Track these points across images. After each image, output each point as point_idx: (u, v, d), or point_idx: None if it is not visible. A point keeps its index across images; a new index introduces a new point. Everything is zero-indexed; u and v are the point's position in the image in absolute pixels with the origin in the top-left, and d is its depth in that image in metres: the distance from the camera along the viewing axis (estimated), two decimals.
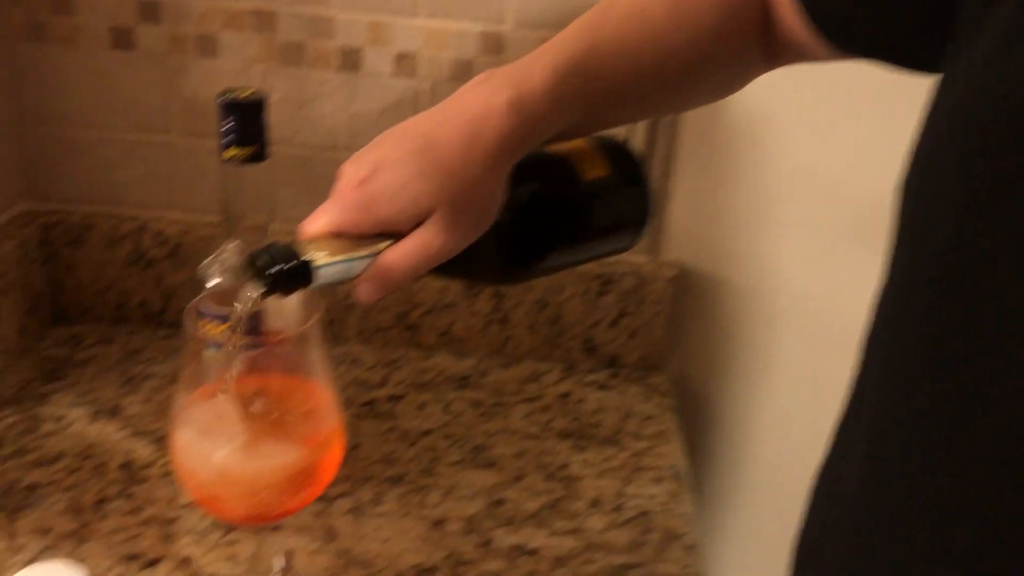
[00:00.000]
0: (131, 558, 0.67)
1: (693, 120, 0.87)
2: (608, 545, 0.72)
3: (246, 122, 0.64)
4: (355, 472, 0.77)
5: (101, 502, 0.72)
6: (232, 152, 0.64)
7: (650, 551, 0.72)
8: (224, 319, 0.62)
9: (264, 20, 0.84)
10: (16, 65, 0.86)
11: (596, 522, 0.74)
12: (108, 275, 0.92)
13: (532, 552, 0.71)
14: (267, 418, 0.55)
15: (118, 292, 0.93)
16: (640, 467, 0.81)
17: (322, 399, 0.57)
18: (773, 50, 0.58)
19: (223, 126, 0.63)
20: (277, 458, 0.54)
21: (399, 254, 0.51)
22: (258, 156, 0.65)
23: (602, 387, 0.92)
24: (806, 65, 0.60)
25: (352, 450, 0.80)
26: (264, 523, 0.58)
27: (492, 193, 0.51)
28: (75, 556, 0.67)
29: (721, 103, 0.83)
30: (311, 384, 0.57)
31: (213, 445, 0.53)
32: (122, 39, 0.85)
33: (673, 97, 0.59)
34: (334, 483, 0.75)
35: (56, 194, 0.91)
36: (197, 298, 0.57)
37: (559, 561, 0.70)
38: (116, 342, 0.92)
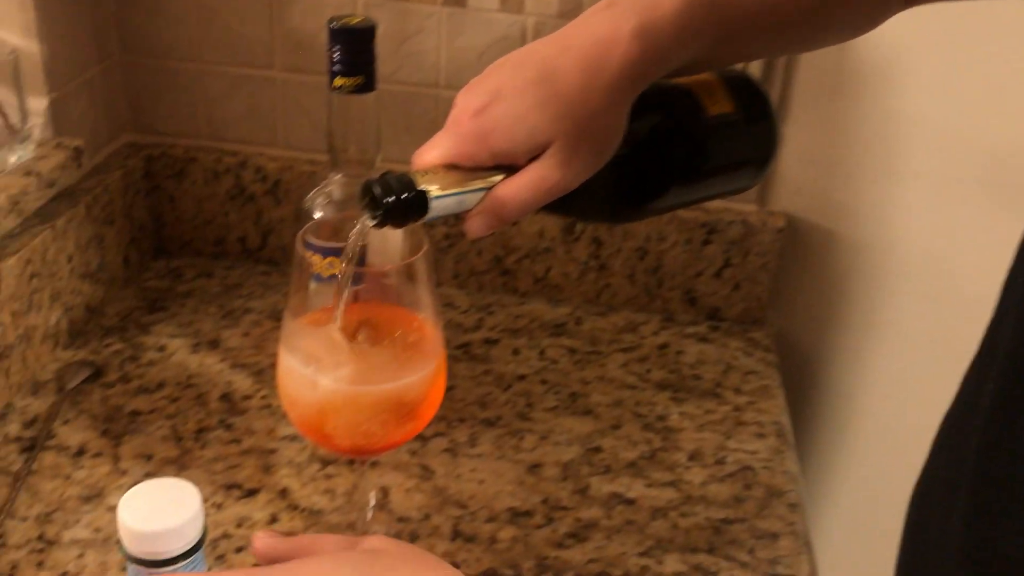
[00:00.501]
0: (230, 487, 0.68)
1: (809, 62, 0.83)
2: (708, 498, 0.70)
3: (355, 50, 0.62)
4: (450, 413, 0.76)
5: (201, 431, 0.73)
6: (340, 81, 0.62)
7: (752, 507, 0.69)
8: (327, 252, 0.62)
9: None
10: None
11: (696, 475, 0.72)
12: (209, 209, 0.93)
13: (630, 501, 0.69)
14: (373, 349, 0.54)
15: (218, 226, 0.94)
16: (741, 422, 0.78)
17: (427, 333, 0.55)
18: None
19: (332, 54, 0.62)
20: (382, 388, 0.53)
21: (513, 188, 0.49)
22: (366, 86, 0.63)
23: (702, 339, 0.89)
24: (938, 5, 0.56)
25: (447, 391, 0.79)
26: (366, 455, 0.57)
27: (613, 127, 0.49)
28: None
29: (841, 45, 0.79)
30: (417, 317, 0.55)
31: (320, 373, 0.52)
32: None
33: (805, 32, 0.56)
34: (429, 423, 0.75)
35: (160, 127, 0.92)
36: (305, 227, 0.56)
37: (657, 512, 0.68)
38: (215, 276, 0.93)
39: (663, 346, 0.87)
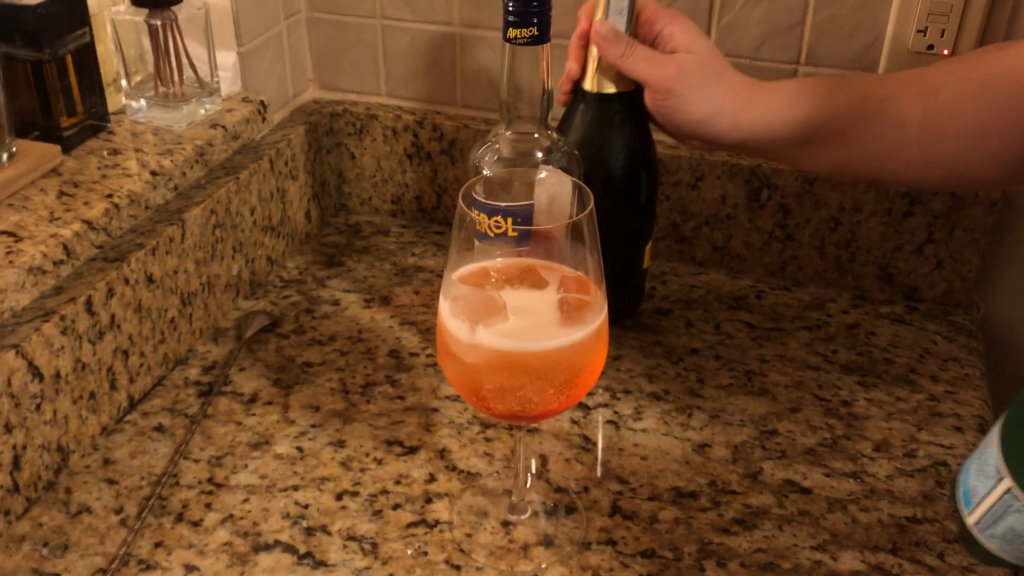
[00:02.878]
0: (391, 443, 0.68)
1: None
2: (894, 494, 0.64)
3: (529, 0, 0.59)
4: (615, 384, 0.73)
5: (368, 386, 0.73)
6: (513, 32, 0.60)
7: (944, 507, 0.63)
8: (493, 211, 0.60)
9: None
10: None
11: (881, 467, 0.66)
12: (387, 167, 0.93)
13: (805, 490, 0.64)
14: (533, 309, 0.52)
15: (396, 184, 0.94)
16: (937, 413, 0.71)
17: (591, 295, 0.53)
18: None
19: (507, 4, 0.60)
20: (540, 349, 0.50)
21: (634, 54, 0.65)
22: (540, 38, 0.60)
23: (897, 320, 0.81)
24: None
25: (613, 360, 0.76)
26: (522, 421, 0.55)
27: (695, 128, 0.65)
28: (340, 435, 0.68)
29: None
30: (581, 279, 0.53)
31: (476, 331, 0.50)
32: None
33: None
34: (593, 392, 0.72)
35: (342, 84, 0.93)
36: (468, 183, 0.54)
37: (835, 504, 0.63)
38: (391, 234, 0.93)
39: (853, 326, 0.81)
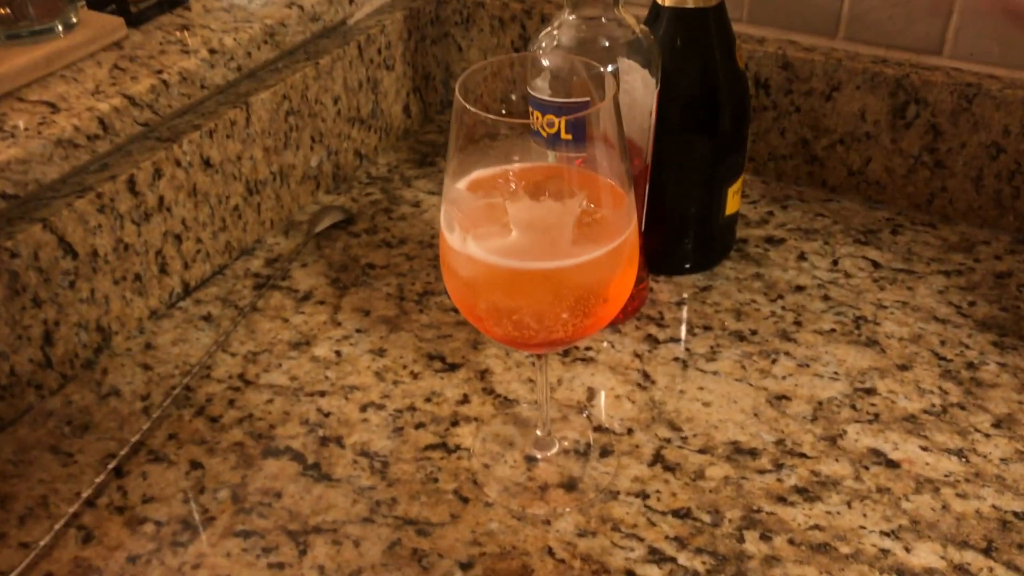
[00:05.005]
0: (433, 357, 0.62)
1: None
2: (1005, 481, 0.52)
3: None
4: (696, 317, 0.65)
5: (425, 294, 0.68)
6: None
7: None
8: (547, 109, 0.52)
9: None
10: None
11: (996, 447, 0.54)
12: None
13: (892, 464, 0.54)
14: (548, 222, 0.44)
15: (504, 80, 0.87)
16: None
17: (615, 211, 0.44)
18: None
19: None
20: (538, 268, 0.43)
21: None
22: None
23: None
24: None
25: (700, 291, 0.67)
26: (528, 348, 0.48)
27: None
28: (383, 343, 0.64)
29: None
30: (614, 192, 0.44)
31: (469, 243, 0.44)
32: None
33: None
34: (666, 323, 0.64)
35: None
36: (465, 73, 0.46)
37: (926, 484, 0.52)
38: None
39: (1004, 275, 0.67)
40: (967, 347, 0.61)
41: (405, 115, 0.86)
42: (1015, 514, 0.51)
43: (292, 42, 0.72)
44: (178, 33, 0.67)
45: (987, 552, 0.49)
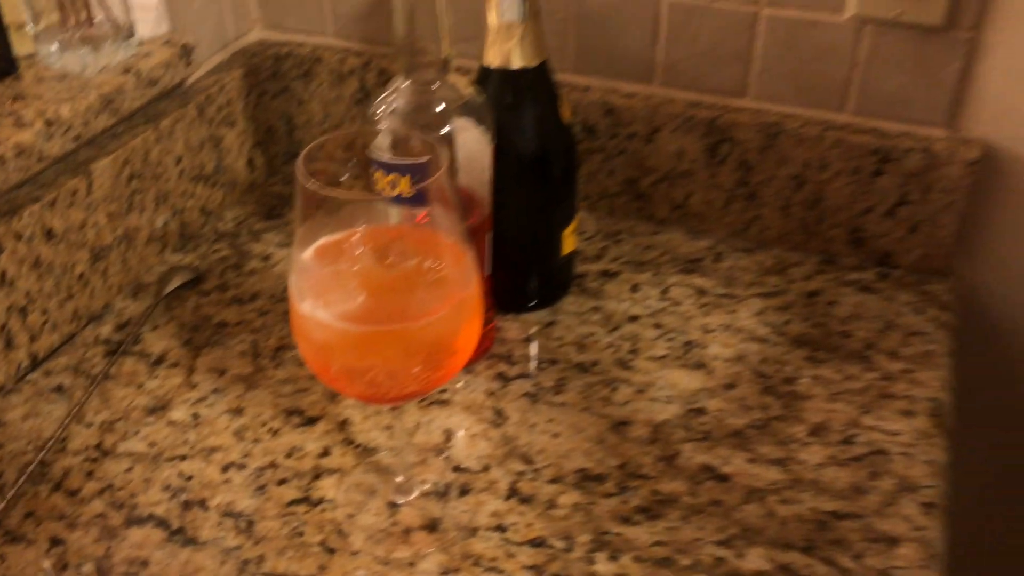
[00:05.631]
0: (291, 412, 0.64)
1: None
2: (820, 484, 0.58)
3: None
4: (543, 353, 0.69)
5: (280, 349, 0.69)
6: None
7: (874, 501, 0.57)
8: (389, 169, 0.55)
9: None
10: None
11: (813, 454, 0.61)
12: (336, 113, 0.88)
13: (723, 477, 0.59)
14: (392, 283, 0.47)
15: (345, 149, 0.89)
16: (888, 394, 0.65)
17: (456, 270, 0.48)
18: None
19: None
20: (396, 324, 0.46)
21: None
22: None
23: (864, 289, 0.75)
24: None
25: (545, 327, 0.71)
26: (381, 403, 0.51)
27: None
28: (240, 402, 0.65)
29: None
30: (453, 250, 0.48)
31: (319, 308, 0.46)
32: None
33: None
34: (515, 360, 0.68)
35: (288, 24, 0.88)
36: (310, 146, 0.49)
37: (752, 494, 0.58)
38: None
39: (814, 293, 0.74)
40: (784, 363, 0.68)
41: (249, 169, 0.87)
42: (829, 513, 0.57)
43: (130, 107, 0.73)
44: (11, 104, 0.67)
45: (807, 551, 0.54)
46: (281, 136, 0.91)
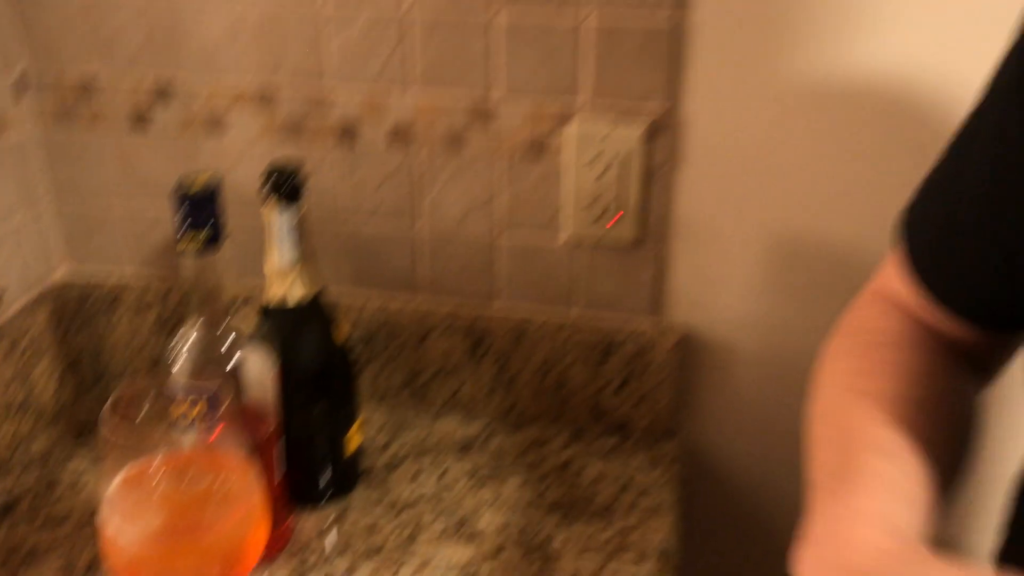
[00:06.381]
0: None
1: (690, 179, 0.84)
2: None
3: (200, 210, 0.66)
4: (339, 540, 0.78)
5: (91, 568, 0.76)
6: (186, 241, 0.66)
7: None
8: (185, 397, 0.65)
9: (266, 99, 0.87)
10: (51, 146, 0.93)
11: None
12: (138, 341, 0.98)
13: None
14: (187, 500, 0.57)
15: (146, 358, 0.98)
16: (624, 545, 0.78)
17: (241, 484, 0.58)
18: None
19: (178, 213, 0.66)
20: (193, 538, 0.55)
21: None
22: (212, 243, 0.67)
23: (607, 455, 0.90)
24: None
25: (338, 518, 0.81)
26: None
27: None
28: None
29: (728, 156, 0.81)
30: (238, 467, 0.58)
31: (132, 526, 0.55)
32: (139, 121, 0.90)
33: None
34: (312, 551, 0.77)
35: (93, 258, 0.97)
36: (111, 399, 0.59)
37: None
38: None
39: (566, 463, 0.88)
40: (542, 526, 0.80)
41: (58, 396, 0.94)
42: None
43: None
44: None
45: None
46: (88, 363, 0.98)
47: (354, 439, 0.83)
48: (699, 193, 0.84)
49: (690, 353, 0.90)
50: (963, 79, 0.73)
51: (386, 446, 0.90)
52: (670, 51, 0.79)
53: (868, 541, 0.44)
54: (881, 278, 0.63)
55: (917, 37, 0.75)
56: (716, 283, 0.87)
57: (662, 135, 0.82)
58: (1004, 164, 0.53)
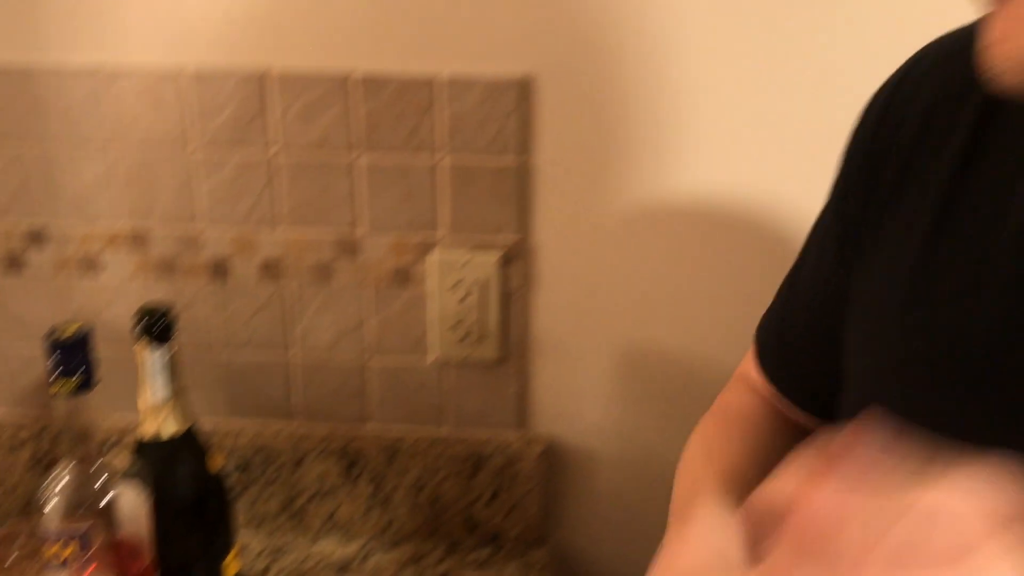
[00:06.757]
0: None
1: (545, 301, 0.91)
2: None
3: (71, 357, 0.69)
4: None
5: None
6: (58, 386, 0.69)
7: None
8: (57, 537, 0.66)
9: (139, 240, 0.91)
10: None
11: None
12: (11, 480, 0.97)
13: None
14: None
15: (20, 497, 0.98)
16: None
17: None
18: None
19: (50, 360, 0.69)
20: None
21: None
22: (84, 387, 0.70)
23: (482, 565, 0.93)
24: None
25: None
26: None
27: None
28: None
29: (577, 278, 0.88)
30: None
31: None
32: (12, 264, 0.92)
33: None
34: None
35: None
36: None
37: None
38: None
39: (445, 574, 0.92)
40: None
41: None
42: None
43: None
44: None
45: None
46: None
47: (231, 566, 0.85)
48: (553, 313, 0.91)
49: (555, 461, 0.96)
50: (790, 196, 0.83)
51: (265, 571, 0.92)
52: (518, 188, 0.87)
53: (692, 555, 0.54)
54: (745, 364, 0.72)
55: (733, 160, 0.85)
56: (575, 395, 0.94)
57: (516, 262, 0.89)
58: (823, 273, 0.61)
